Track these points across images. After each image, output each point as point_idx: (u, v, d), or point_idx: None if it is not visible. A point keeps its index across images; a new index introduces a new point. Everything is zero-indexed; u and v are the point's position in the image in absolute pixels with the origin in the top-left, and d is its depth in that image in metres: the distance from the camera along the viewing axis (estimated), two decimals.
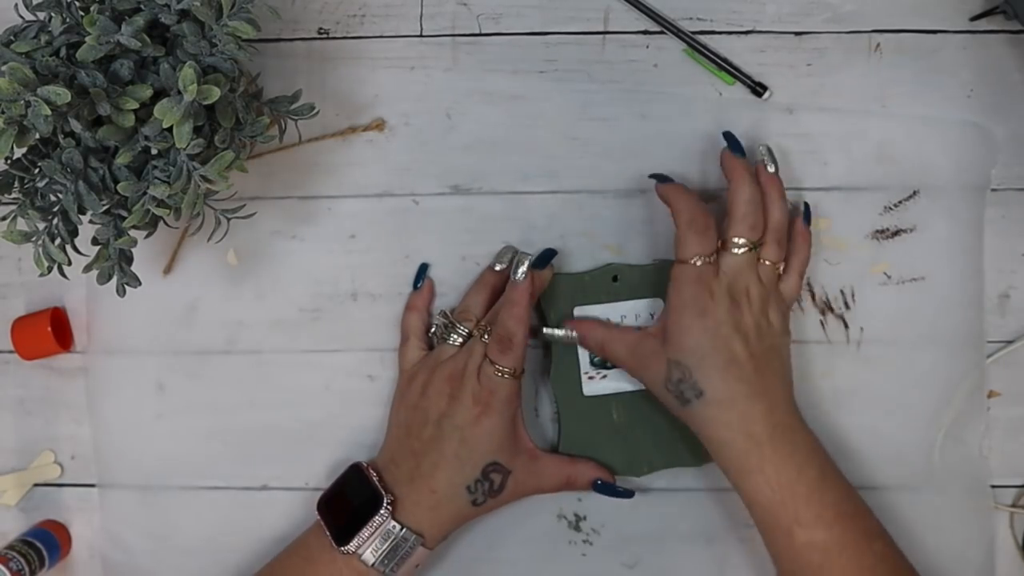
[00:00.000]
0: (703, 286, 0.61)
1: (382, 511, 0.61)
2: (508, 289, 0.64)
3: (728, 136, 0.65)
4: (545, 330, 0.67)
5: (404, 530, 0.62)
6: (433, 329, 0.69)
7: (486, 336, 0.64)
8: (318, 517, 0.64)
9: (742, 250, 0.62)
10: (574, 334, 0.67)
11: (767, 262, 0.63)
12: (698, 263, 0.61)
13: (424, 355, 0.67)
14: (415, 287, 0.69)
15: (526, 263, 0.63)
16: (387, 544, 0.61)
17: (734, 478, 0.61)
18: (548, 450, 0.68)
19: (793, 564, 0.59)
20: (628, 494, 0.67)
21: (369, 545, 0.61)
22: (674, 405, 0.62)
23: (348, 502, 0.64)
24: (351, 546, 0.61)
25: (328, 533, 0.62)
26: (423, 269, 0.69)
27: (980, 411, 0.68)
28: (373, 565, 0.61)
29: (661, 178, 0.65)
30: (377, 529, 0.61)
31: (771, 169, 0.65)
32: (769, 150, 0.65)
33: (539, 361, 0.69)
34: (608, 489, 0.67)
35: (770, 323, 0.63)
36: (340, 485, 0.65)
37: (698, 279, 0.61)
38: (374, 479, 0.63)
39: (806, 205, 0.67)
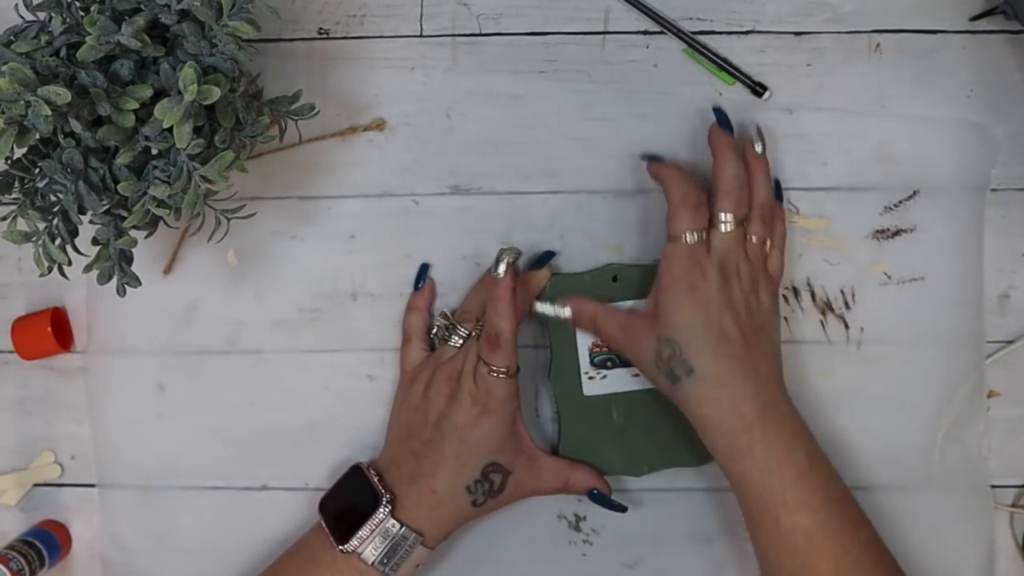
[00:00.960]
0: (694, 263, 0.61)
1: (381, 510, 0.61)
2: (492, 287, 0.64)
3: (717, 111, 0.65)
4: (537, 305, 0.67)
5: (404, 528, 0.62)
6: (435, 330, 0.69)
7: None
8: (319, 518, 0.64)
9: (730, 226, 0.62)
10: (567, 310, 0.66)
11: (754, 239, 0.63)
12: (689, 239, 0.61)
13: (426, 356, 0.67)
14: (416, 288, 0.69)
15: (505, 260, 0.63)
16: (387, 543, 0.61)
17: (722, 459, 0.60)
18: (549, 452, 0.68)
19: (777, 548, 0.59)
20: (622, 508, 0.67)
21: (369, 544, 0.61)
22: (664, 384, 0.62)
23: (349, 502, 0.64)
24: (351, 545, 0.61)
25: (329, 533, 0.62)
26: (424, 269, 0.69)
27: (980, 411, 0.68)
28: (373, 564, 0.61)
29: (652, 158, 0.66)
30: (376, 528, 0.61)
31: (758, 149, 0.65)
32: (759, 130, 0.65)
33: (539, 361, 0.69)
34: (603, 500, 0.67)
35: (760, 301, 0.62)
36: (341, 486, 0.65)
37: (689, 256, 0.61)
38: (374, 479, 0.63)
39: (777, 183, 0.67)
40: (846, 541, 0.58)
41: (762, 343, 0.62)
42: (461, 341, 0.66)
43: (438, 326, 0.68)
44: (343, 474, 0.66)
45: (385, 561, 0.61)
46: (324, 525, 0.63)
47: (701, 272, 0.61)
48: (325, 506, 0.65)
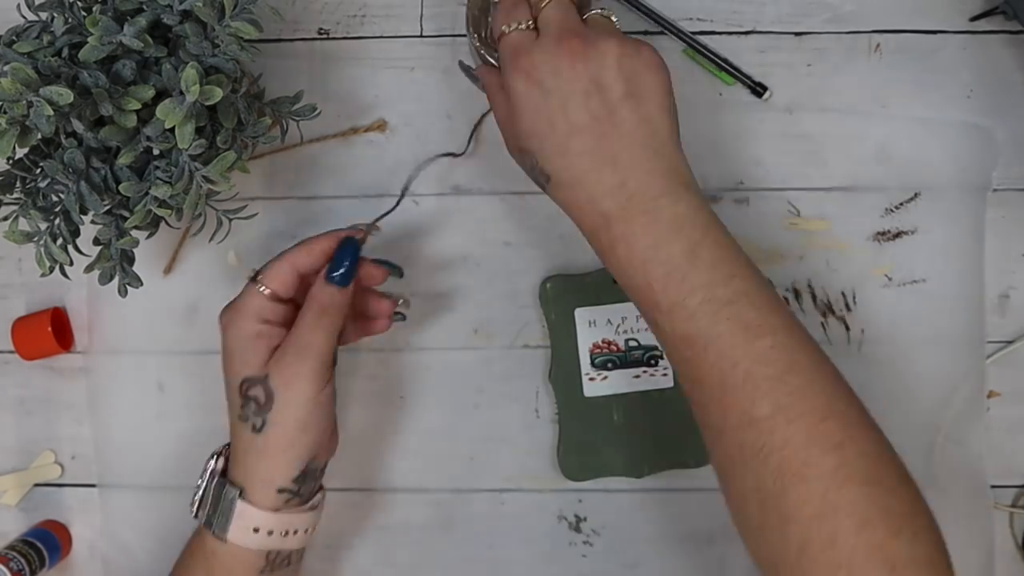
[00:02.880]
0: (524, 53, 0.52)
1: (211, 461, 0.60)
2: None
3: None
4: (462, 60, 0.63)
5: (213, 474, 0.59)
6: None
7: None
8: None
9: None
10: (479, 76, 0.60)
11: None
12: (514, 29, 0.54)
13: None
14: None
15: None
16: (209, 494, 0.59)
17: (602, 261, 0.53)
18: (552, 453, 0.68)
19: (669, 354, 0.52)
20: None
21: (199, 494, 0.59)
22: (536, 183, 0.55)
23: None
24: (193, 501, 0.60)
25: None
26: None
27: (980, 411, 0.68)
28: (196, 516, 0.59)
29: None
30: (205, 474, 0.60)
31: None
32: None
33: (539, 361, 0.69)
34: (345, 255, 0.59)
35: (619, 69, 0.52)
36: None
37: (517, 48, 0.53)
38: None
39: None
40: (732, 351, 0.49)
41: (626, 123, 0.52)
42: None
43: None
44: None
45: (210, 513, 0.58)
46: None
47: (531, 62, 0.52)
48: None
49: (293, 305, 0.59)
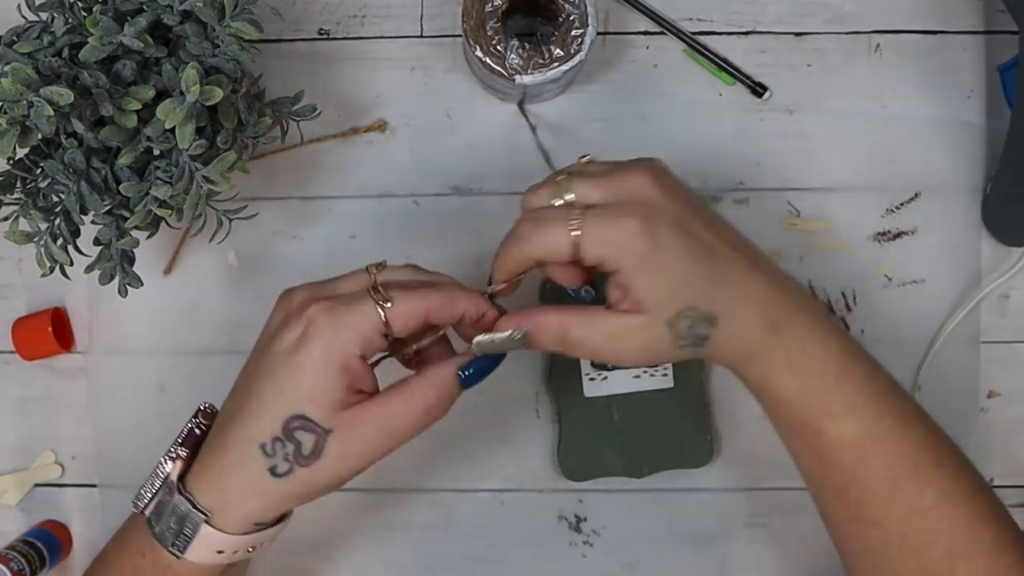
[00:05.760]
0: (634, 221, 0.48)
1: (161, 459, 0.51)
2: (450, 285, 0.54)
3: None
4: (480, 337, 0.52)
5: (178, 497, 0.49)
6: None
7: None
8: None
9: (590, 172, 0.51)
10: (518, 333, 0.52)
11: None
12: (574, 222, 0.49)
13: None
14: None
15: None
16: (167, 509, 0.50)
17: (759, 388, 0.52)
18: (552, 454, 0.68)
19: (822, 465, 0.52)
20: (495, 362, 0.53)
21: (152, 505, 0.51)
22: (695, 354, 0.51)
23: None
24: (136, 499, 0.52)
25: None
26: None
27: (978, 412, 0.68)
28: (156, 534, 0.51)
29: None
30: (155, 491, 0.51)
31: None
32: None
33: (539, 362, 0.69)
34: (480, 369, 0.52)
35: (702, 201, 0.52)
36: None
37: (627, 220, 0.48)
38: (187, 426, 0.53)
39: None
40: (898, 445, 0.50)
41: (744, 241, 0.52)
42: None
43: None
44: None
45: (167, 531, 0.50)
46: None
47: (632, 235, 0.48)
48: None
49: (391, 343, 0.52)
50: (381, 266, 0.53)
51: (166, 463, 0.51)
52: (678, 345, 0.50)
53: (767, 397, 0.52)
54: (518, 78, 0.62)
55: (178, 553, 0.50)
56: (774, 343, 0.50)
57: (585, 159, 0.54)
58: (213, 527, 0.49)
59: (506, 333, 0.51)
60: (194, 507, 0.49)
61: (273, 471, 0.48)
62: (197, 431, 0.53)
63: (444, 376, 0.51)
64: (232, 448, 0.49)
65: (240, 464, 0.49)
